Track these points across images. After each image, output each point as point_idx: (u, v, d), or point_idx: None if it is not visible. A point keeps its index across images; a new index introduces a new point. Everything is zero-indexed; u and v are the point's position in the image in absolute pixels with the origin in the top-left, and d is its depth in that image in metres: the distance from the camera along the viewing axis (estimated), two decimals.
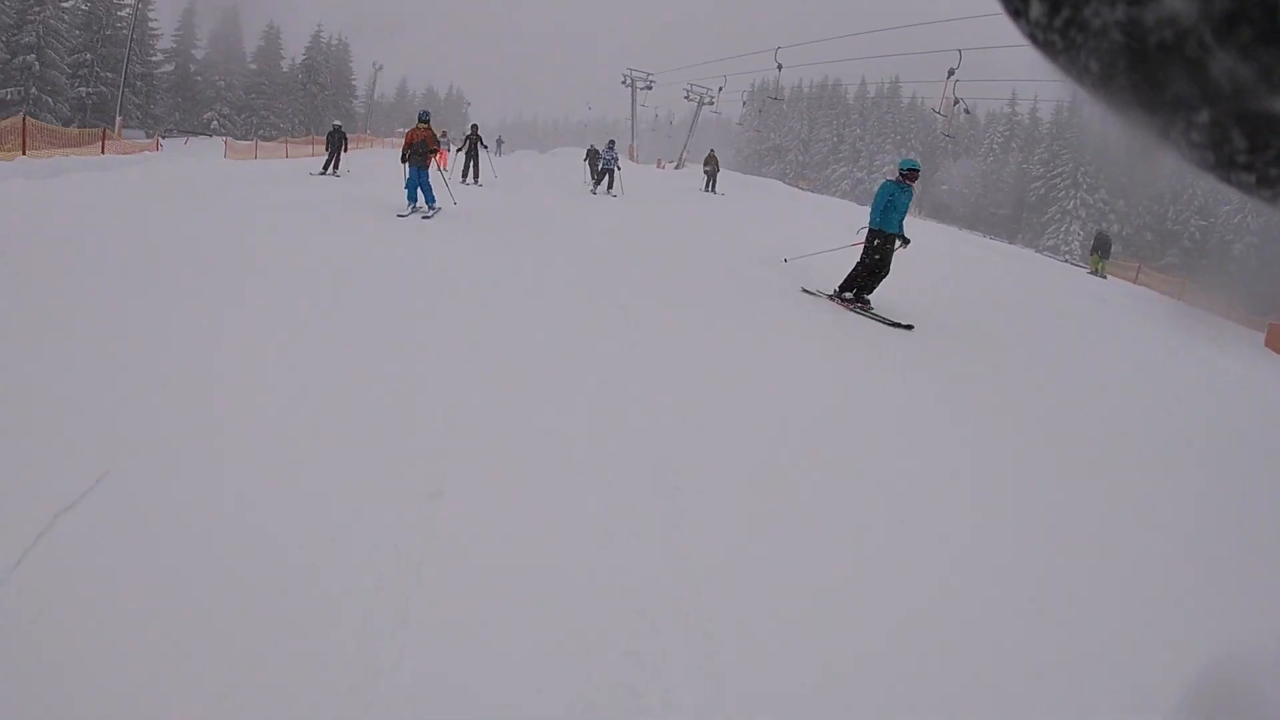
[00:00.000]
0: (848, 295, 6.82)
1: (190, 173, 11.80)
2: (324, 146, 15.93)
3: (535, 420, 3.44)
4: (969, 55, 18.24)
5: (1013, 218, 36.24)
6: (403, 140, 11.31)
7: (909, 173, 6.87)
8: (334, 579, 2.20)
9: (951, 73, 17.62)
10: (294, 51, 40.11)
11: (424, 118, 10.42)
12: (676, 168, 30.68)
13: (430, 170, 10.19)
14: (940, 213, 36.91)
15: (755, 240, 9.85)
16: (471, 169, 15.27)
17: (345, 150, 15.65)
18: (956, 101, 18.17)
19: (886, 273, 6.83)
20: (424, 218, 9.62)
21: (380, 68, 41.60)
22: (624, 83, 36.13)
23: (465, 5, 73.54)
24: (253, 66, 38.02)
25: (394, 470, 2.82)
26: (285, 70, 39.35)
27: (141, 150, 16.07)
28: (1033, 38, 0.25)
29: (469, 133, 15.70)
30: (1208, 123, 0.21)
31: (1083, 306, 9.81)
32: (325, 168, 15.14)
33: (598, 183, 16.43)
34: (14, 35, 28.34)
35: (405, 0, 72.55)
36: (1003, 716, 2.12)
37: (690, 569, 2.48)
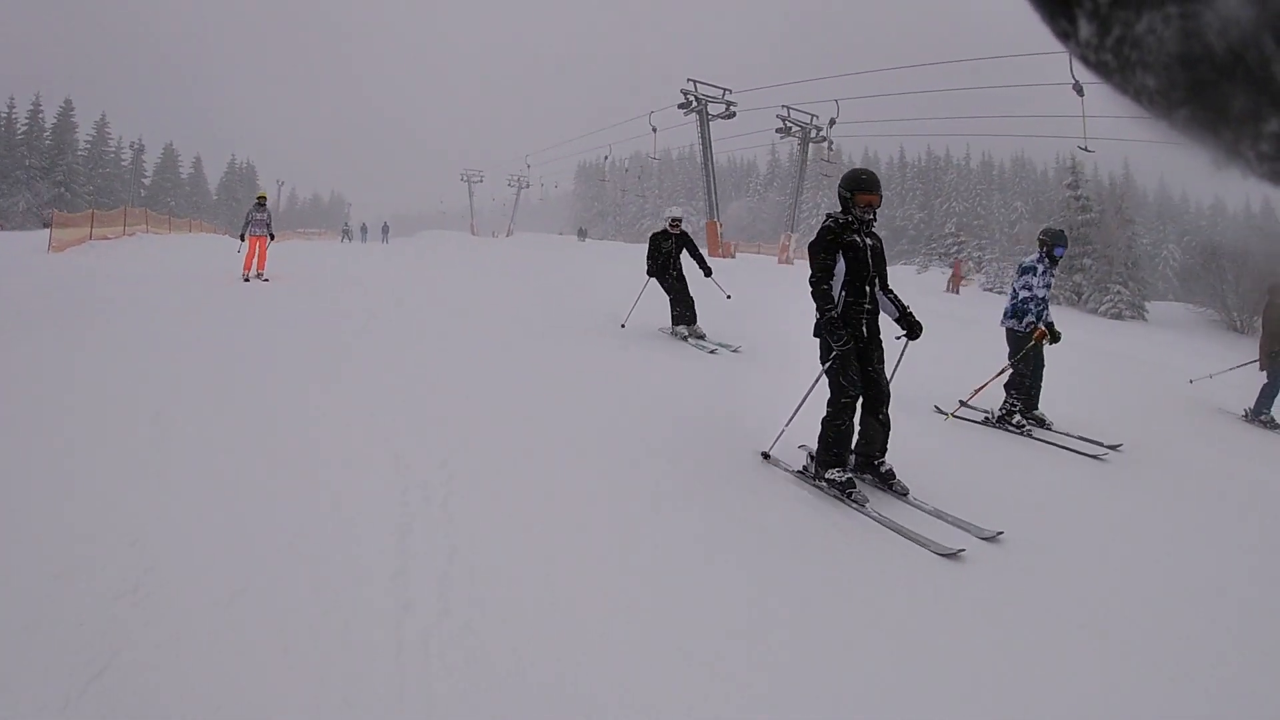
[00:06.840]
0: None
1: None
2: None
3: None
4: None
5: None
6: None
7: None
8: None
9: (1080, 90, 19.67)
10: (214, 174, 55.35)
11: None
12: (508, 236, 42.30)
13: None
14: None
15: None
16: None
17: None
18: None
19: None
20: None
21: (283, 183, 55.37)
22: (462, 179, 51.41)
23: (338, 121, 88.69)
24: (188, 189, 51.86)
25: None
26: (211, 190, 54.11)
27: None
28: (1084, 59, 0.25)
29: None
30: (1278, 132, 0.20)
31: None
32: None
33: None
34: (49, 175, 43.80)
35: (298, 123, 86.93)
36: None
37: None
